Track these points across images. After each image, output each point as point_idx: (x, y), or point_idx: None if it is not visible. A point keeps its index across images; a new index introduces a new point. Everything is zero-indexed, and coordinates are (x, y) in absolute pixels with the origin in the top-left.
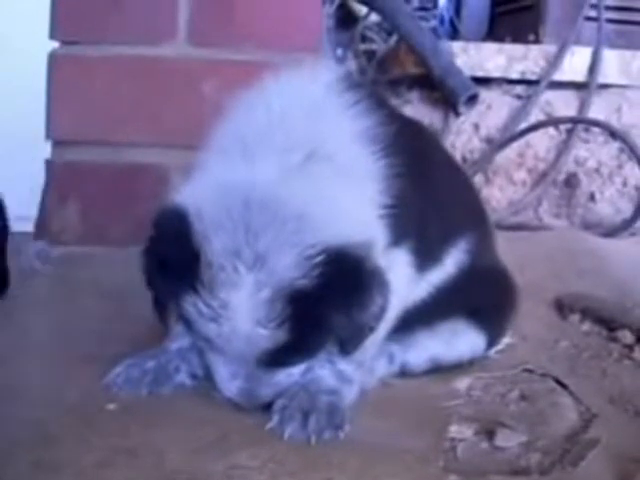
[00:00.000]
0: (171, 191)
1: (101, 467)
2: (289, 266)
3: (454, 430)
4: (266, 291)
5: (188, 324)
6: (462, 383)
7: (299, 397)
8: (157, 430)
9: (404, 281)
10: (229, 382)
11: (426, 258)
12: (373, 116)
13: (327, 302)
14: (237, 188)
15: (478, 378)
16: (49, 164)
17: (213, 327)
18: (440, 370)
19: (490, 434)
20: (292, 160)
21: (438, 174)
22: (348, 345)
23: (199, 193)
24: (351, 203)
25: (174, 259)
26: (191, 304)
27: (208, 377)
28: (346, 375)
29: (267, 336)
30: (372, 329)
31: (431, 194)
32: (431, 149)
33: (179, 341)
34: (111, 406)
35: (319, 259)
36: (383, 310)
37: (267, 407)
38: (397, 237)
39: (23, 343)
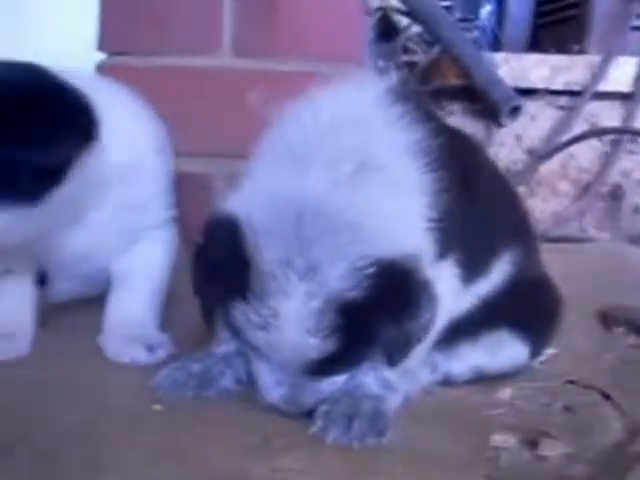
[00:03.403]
0: (220, 199)
1: (146, 467)
2: (340, 277)
3: (497, 439)
4: (317, 301)
5: (235, 331)
6: (505, 393)
7: (343, 402)
8: (201, 432)
9: (450, 293)
10: (273, 389)
11: (472, 270)
12: (421, 128)
13: (376, 314)
14: (288, 197)
15: (521, 388)
16: None
17: (262, 335)
18: (483, 380)
19: (534, 444)
20: (342, 171)
21: (484, 186)
22: (395, 356)
23: (250, 202)
24: (401, 215)
25: (224, 267)
26: (240, 312)
27: (252, 382)
28: (390, 382)
29: (315, 346)
30: (419, 340)
31: (477, 206)
32: (478, 161)
33: (225, 346)
34: (157, 407)
35: (370, 271)
36: (431, 322)
37: (310, 413)
38: (444, 250)
39: (72, 344)
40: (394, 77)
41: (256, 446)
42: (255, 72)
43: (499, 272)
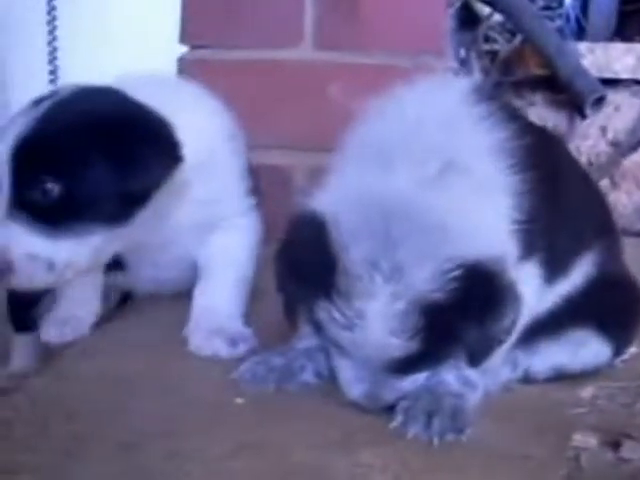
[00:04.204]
0: (305, 195)
1: (227, 459)
2: (426, 279)
3: (578, 439)
4: (402, 302)
5: (318, 327)
6: (586, 391)
7: (423, 399)
8: (282, 425)
9: (533, 293)
10: (354, 385)
11: (554, 270)
12: (507, 129)
13: (461, 315)
14: (375, 197)
15: (603, 387)
16: None
17: (345, 334)
18: (563, 378)
19: (615, 445)
20: (428, 171)
21: (568, 186)
22: (477, 357)
23: (336, 200)
24: (486, 217)
25: (309, 265)
26: (324, 310)
27: (333, 377)
28: (471, 380)
29: (399, 346)
30: (501, 342)
31: (561, 207)
32: (561, 161)
33: (306, 341)
34: (239, 400)
35: (456, 273)
36: (514, 324)
37: (390, 408)
38: (528, 251)
39: (156, 338)
40: (474, 66)
41: (337, 440)
42: (336, 65)
43: (581, 271)
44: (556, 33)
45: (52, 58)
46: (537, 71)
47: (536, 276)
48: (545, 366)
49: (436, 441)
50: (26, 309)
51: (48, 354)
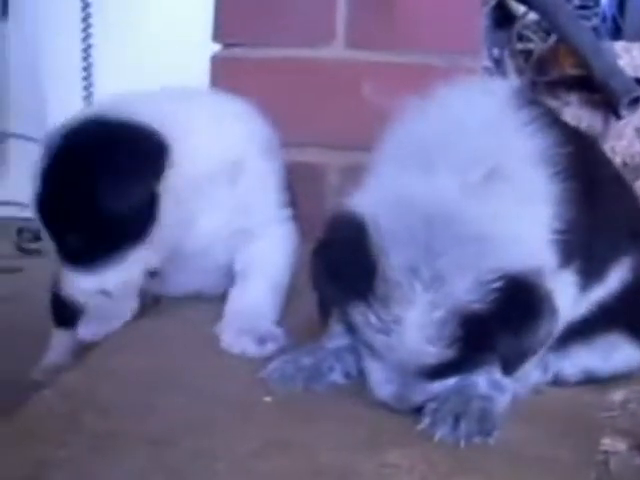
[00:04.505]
0: (342, 195)
1: (255, 457)
2: (466, 289)
3: (607, 443)
4: (440, 311)
5: (351, 328)
6: (617, 395)
7: (452, 401)
8: (310, 425)
9: (569, 302)
10: (383, 386)
11: (590, 277)
12: (549, 135)
13: (498, 326)
14: (418, 203)
15: (634, 391)
16: None
17: (380, 338)
18: (595, 382)
19: None
20: (472, 178)
21: (605, 192)
22: (511, 366)
23: (376, 202)
24: (527, 227)
25: (347, 266)
26: (360, 313)
27: (361, 378)
28: (501, 384)
29: (434, 353)
30: (536, 352)
31: (598, 213)
32: (599, 167)
33: (336, 340)
34: (267, 399)
35: (496, 285)
36: (549, 335)
37: (418, 409)
38: (566, 260)
39: (187, 336)
40: (509, 66)
41: (364, 441)
42: (369, 64)
43: (617, 276)
44: (592, 32)
45: (86, 47)
46: (572, 71)
47: (573, 284)
48: (576, 369)
49: (463, 443)
50: (68, 305)
51: (82, 350)
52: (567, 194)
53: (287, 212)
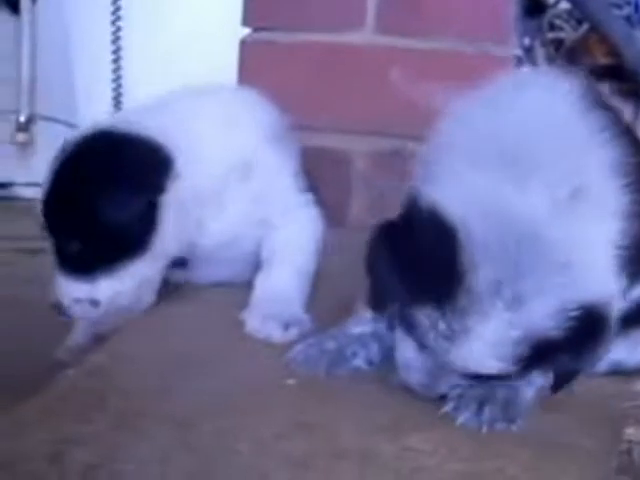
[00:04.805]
0: (415, 182)
1: (278, 439)
2: (545, 314)
3: (631, 432)
4: (515, 332)
5: (409, 326)
6: None
7: (476, 387)
8: (332, 408)
9: (617, 307)
10: (412, 372)
11: (635, 278)
12: (620, 144)
13: (563, 350)
14: (511, 219)
15: None
16: None
17: (444, 343)
18: (621, 373)
19: None
20: (560, 195)
21: None
22: (562, 385)
23: (467, 209)
24: (603, 250)
25: (427, 268)
26: (427, 316)
27: (383, 365)
28: (530, 377)
29: (497, 368)
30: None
31: None
32: None
33: (362, 327)
34: (290, 381)
35: (574, 314)
36: (602, 355)
37: (442, 397)
38: (630, 280)
39: (212, 320)
40: (539, 55)
41: (386, 425)
42: (398, 49)
43: None
44: (624, 21)
45: (115, 30)
46: (603, 60)
47: (622, 291)
48: (603, 361)
49: (485, 429)
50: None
51: (103, 335)
52: (636, 207)
53: (308, 197)
